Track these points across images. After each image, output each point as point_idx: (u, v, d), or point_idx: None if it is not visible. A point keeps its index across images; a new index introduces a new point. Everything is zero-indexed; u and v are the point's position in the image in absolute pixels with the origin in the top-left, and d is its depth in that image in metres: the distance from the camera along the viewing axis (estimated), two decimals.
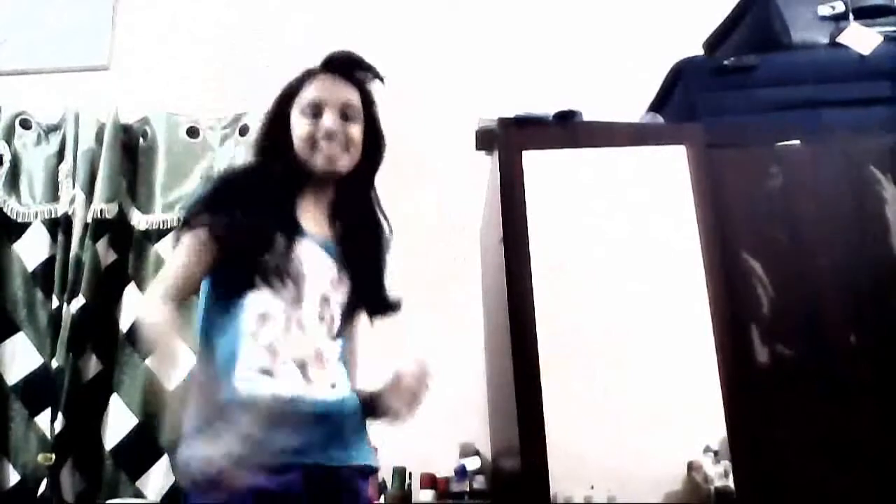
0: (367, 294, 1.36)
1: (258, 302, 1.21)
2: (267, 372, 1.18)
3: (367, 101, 1.39)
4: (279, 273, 1.21)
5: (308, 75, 1.36)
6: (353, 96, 1.36)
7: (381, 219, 1.41)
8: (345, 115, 1.33)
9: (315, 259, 1.28)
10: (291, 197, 1.31)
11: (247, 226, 1.22)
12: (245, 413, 1.07)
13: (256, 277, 1.21)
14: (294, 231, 1.26)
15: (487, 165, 2.18)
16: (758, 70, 2.12)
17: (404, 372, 1.28)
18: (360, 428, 1.29)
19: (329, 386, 1.24)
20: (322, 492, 1.18)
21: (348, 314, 1.34)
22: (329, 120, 1.31)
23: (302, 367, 1.21)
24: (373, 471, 1.30)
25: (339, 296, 1.31)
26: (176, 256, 1.25)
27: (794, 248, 1.89)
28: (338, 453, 1.21)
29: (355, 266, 1.34)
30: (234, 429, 1.03)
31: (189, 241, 1.22)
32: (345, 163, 1.33)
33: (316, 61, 1.39)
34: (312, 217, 1.33)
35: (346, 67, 1.38)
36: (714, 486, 1.71)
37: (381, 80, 1.41)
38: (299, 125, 1.33)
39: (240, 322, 1.21)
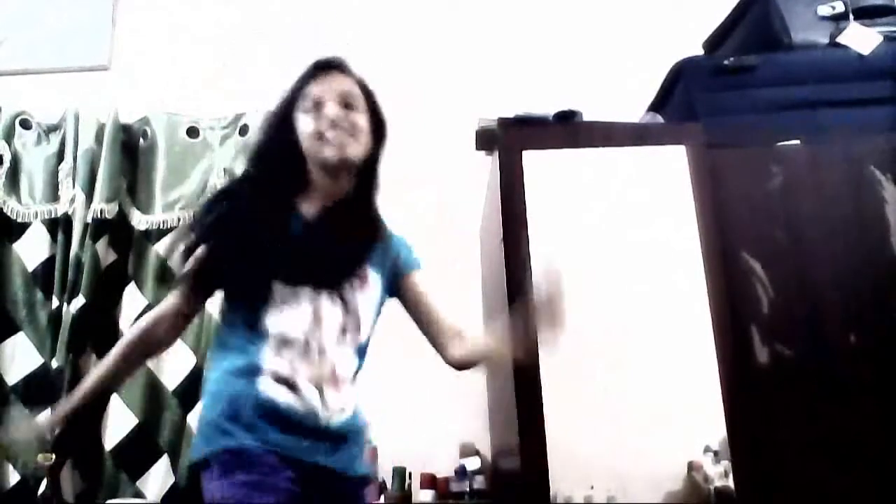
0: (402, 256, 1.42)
1: (275, 322, 1.24)
2: (284, 381, 1.21)
3: (367, 91, 1.40)
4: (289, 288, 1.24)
5: (303, 79, 1.37)
6: (351, 86, 1.37)
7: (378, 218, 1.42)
8: (346, 104, 1.34)
9: (332, 259, 1.29)
10: (289, 202, 1.32)
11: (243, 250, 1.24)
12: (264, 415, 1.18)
13: (268, 298, 1.24)
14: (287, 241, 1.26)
15: (487, 165, 2.18)
16: (758, 70, 2.12)
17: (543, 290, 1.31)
18: (362, 442, 1.33)
19: (339, 410, 1.25)
20: (324, 493, 1.22)
21: (381, 305, 1.37)
22: (331, 110, 1.32)
23: (319, 389, 1.23)
24: (371, 480, 1.37)
25: (364, 295, 1.32)
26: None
27: (794, 248, 1.89)
28: (340, 460, 1.25)
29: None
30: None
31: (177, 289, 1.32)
32: (355, 150, 1.33)
33: (310, 61, 1.39)
34: (318, 207, 1.34)
35: (338, 64, 1.40)
36: (714, 486, 1.71)
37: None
38: (305, 124, 1.34)
39: (258, 338, 1.24)
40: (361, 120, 1.35)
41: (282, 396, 1.20)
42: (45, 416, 1.25)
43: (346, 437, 1.27)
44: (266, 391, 1.20)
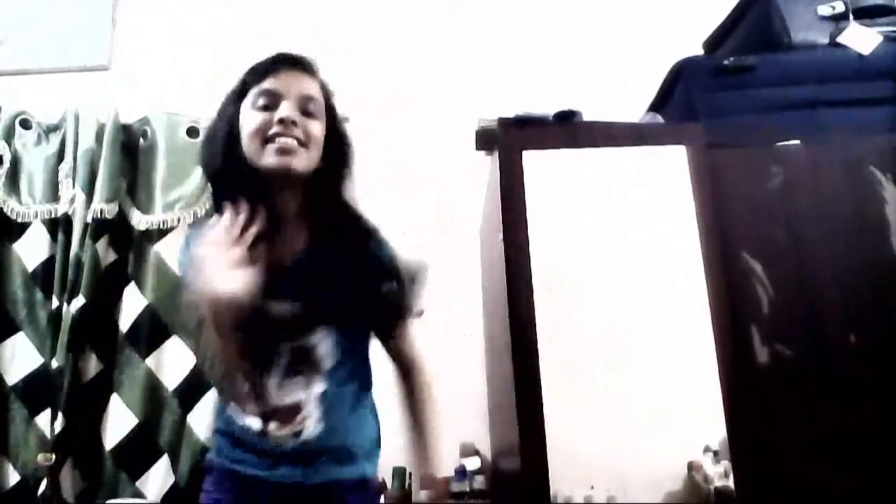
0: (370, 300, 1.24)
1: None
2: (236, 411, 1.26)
3: (328, 96, 1.25)
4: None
5: (260, 71, 1.22)
6: (314, 90, 1.22)
7: (363, 222, 1.26)
8: (305, 110, 1.19)
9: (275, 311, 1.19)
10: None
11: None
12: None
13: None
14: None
15: (487, 165, 2.18)
16: (758, 70, 2.12)
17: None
18: (347, 452, 1.26)
19: (290, 436, 1.22)
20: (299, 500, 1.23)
21: (347, 335, 1.25)
22: (286, 109, 1.16)
23: (265, 420, 1.23)
24: (368, 481, 1.29)
25: (319, 335, 1.22)
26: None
27: (794, 248, 1.89)
28: (309, 473, 1.23)
29: (343, 276, 1.22)
30: None
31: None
32: (302, 161, 1.17)
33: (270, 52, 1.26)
34: (281, 239, 1.20)
35: (304, 63, 1.24)
36: (714, 486, 1.71)
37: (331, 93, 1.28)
38: (248, 120, 1.17)
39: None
40: (317, 129, 1.20)
41: (238, 419, 1.25)
42: None
43: (316, 452, 1.23)
44: (231, 413, 1.27)
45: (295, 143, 1.16)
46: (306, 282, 1.20)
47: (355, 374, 1.29)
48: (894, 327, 1.81)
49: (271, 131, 1.16)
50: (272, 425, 1.23)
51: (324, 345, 1.23)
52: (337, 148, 1.25)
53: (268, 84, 1.20)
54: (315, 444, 1.24)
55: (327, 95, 1.26)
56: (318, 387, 1.24)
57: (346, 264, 1.22)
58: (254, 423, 1.24)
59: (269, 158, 1.16)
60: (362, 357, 1.33)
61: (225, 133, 1.20)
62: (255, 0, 3.10)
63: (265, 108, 1.18)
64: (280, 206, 1.20)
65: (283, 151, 1.16)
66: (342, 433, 1.27)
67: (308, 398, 1.24)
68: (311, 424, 1.24)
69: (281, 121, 1.16)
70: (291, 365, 1.23)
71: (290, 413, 1.23)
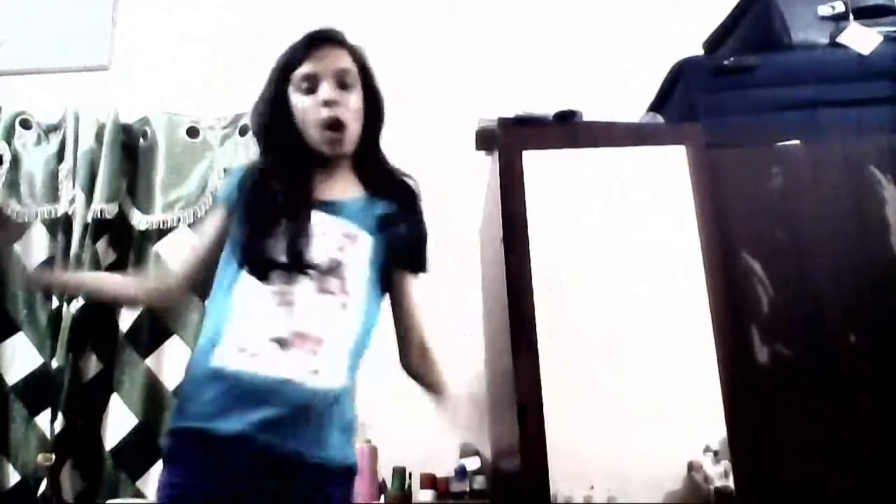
0: (404, 247, 1.35)
1: (248, 279, 1.21)
2: (244, 350, 1.16)
3: (361, 64, 1.37)
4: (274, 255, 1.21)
5: (297, 55, 1.33)
6: (346, 62, 1.34)
7: (400, 175, 1.41)
8: (342, 83, 1.32)
9: (319, 224, 1.26)
10: (304, 178, 1.31)
11: (256, 206, 1.26)
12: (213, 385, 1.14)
13: (253, 259, 1.22)
14: (303, 206, 1.26)
15: (487, 165, 2.18)
16: (758, 70, 2.12)
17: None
18: (345, 425, 1.21)
19: (309, 371, 1.16)
20: (275, 478, 1.12)
21: (378, 274, 1.30)
22: (326, 91, 1.30)
23: (282, 345, 1.16)
24: (352, 472, 1.23)
25: (353, 254, 1.27)
26: (197, 234, 1.32)
27: (794, 248, 1.89)
28: (299, 444, 1.13)
29: (390, 221, 1.33)
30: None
31: (209, 219, 1.36)
32: (349, 138, 1.32)
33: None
34: (331, 187, 1.33)
35: (333, 36, 1.37)
36: (714, 486, 1.71)
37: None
38: (297, 102, 1.31)
39: (229, 299, 1.22)
40: (355, 100, 1.33)
41: (233, 363, 1.15)
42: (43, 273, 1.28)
43: (314, 410, 1.15)
44: (217, 361, 1.16)
45: (340, 125, 1.29)
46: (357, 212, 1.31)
47: (366, 336, 1.28)
48: (894, 327, 1.81)
49: (318, 115, 1.29)
50: (292, 352, 1.16)
51: (356, 260, 1.27)
52: (372, 103, 1.37)
53: (305, 68, 1.31)
54: (327, 402, 1.16)
55: (359, 59, 1.37)
56: (344, 326, 1.23)
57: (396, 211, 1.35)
58: (269, 349, 1.15)
59: (321, 144, 1.30)
60: (373, 314, 1.30)
61: (275, 111, 1.33)
62: (255, 0, 3.10)
63: (308, 90, 1.31)
64: (336, 163, 1.35)
65: (333, 141, 1.30)
66: (351, 400, 1.24)
67: (333, 334, 1.21)
68: (333, 371, 1.19)
69: (325, 102, 1.29)
70: (322, 279, 1.22)
71: (313, 343, 1.18)
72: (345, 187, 1.35)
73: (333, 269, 1.23)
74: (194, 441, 1.14)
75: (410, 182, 1.42)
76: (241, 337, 1.18)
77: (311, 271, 1.21)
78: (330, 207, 1.29)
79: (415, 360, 1.37)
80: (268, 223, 1.23)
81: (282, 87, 1.33)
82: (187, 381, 1.23)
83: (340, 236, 1.27)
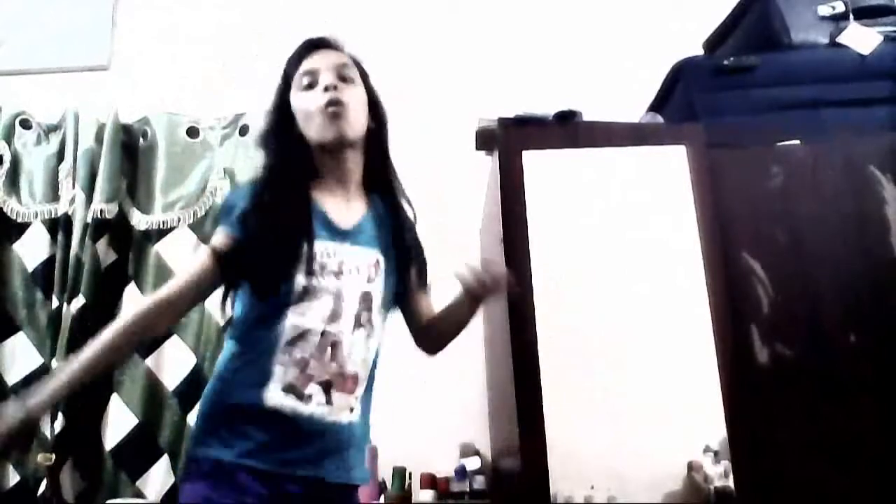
0: (413, 258, 1.37)
1: (295, 316, 1.21)
2: (292, 389, 1.18)
3: (361, 68, 1.38)
4: (309, 291, 1.21)
5: (296, 58, 1.34)
6: (346, 60, 1.35)
7: (401, 195, 1.43)
8: (343, 76, 1.31)
9: (350, 258, 1.27)
10: (306, 197, 1.29)
11: (264, 239, 1.22)
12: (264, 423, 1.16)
13: (290, 293, 1.21)
14: (311, 236, 1.24)
15: (487, 165, 2.18)
16: (758, 70, 2.12)
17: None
18: (363, 448, 1.30)
19: (348, 410, 1.23)
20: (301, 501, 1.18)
21: (390, 297, 1.33)
22: (326, 77, 1.29)
23: (327, 389, 1.20)
24: (363, 483, 1.30)
25: (379, 282, 1.29)
26: (181, 271, 1.28)
27: (794, 248, 1.89)
28: (337, 470, 1.22)
29: (398, 232, 1.36)
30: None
31: (198, 258, 1.28)
32: (352, 126, 1.29)
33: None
34: (337, 204, 1.31)
35: (330, 41, 1.38)
36: (714, 486, 1.71)
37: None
38: (299, 102, 1.31)
39: (275, 334, 1.20)
40: (358, 92, 1.32)
41: (288, 405, 1.18)
42: (18, 408, 1.09)
43: (349, 441, 1.23)
44: (270, 401, 1.18)
45: (342, 105, 1.27)
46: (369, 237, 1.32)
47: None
48: (894, 327, 1.81)
49: (319, 102, 1.27)
50: (336, 396, 1.20)
51: (380, 287, 1.29)
52: (374, 107, 1.37)
53: (304, 66, 1.32)
54: (355, 428, 1.24)
55: (359, 65, 1.38)
56: (369, 359, 1.27)
57: (396, 226, 1.36)
58: (316, 391, 1.18)
59: (324, 132, 1.27)
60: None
61: (281, 124, 1.33)
62: (255, 0, 3.10)
63: (309, 86, 1.30)
64: (345, 173, 1.33)
65: (335, 115, 1.27)
66: (368, 417, 1.29)
67: (364, 368, 1.26)
68: (362, 402, 1.26)
69: (325, 88, 1.28)
70: (359, 315, 1.25)
71: (352, 382, 1.23)
72: (353, 206, 1.34)
73: (366, 303, 1.27)
74: (231, 473, 1.15)
75: (409, 210, 1.44)
76: (290, 377, 1.19)
77: (347, 309, 1.24)
78: (352, 237, 1.29)
79: (426, 325, 1.40)
80: (286, 253, 1.22)
81: (284, 95, 1.34)
82: (222, 411, 1.20)
83: (368, 267, 1.29)
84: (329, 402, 1.20)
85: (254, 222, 1.24)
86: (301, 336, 1.20)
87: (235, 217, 1.26)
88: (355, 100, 1.31)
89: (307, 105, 1.30)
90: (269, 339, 1.20)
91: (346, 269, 1.26)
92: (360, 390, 1.25)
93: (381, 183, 1.39)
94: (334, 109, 1.27)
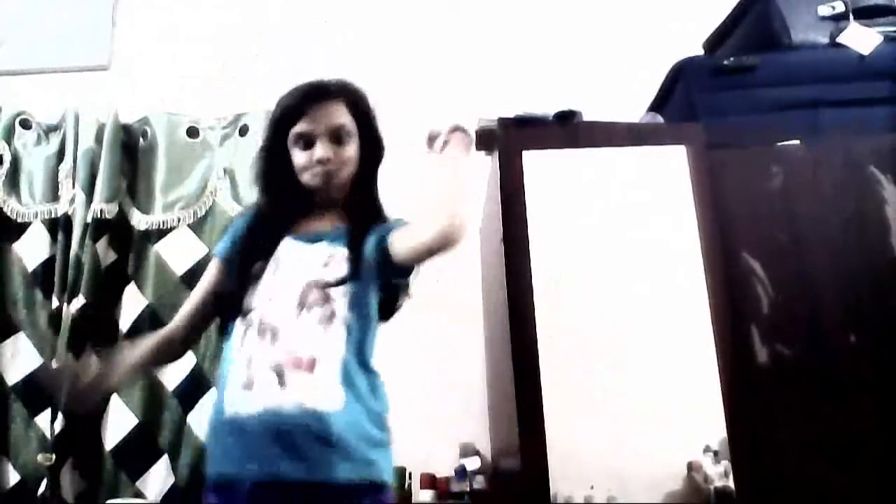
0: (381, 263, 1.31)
1: (239, 322, 1.27)
2: (247, 386, 1.19)
3: (359, 112, 1.39)
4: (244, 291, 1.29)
5: (293, 112, 1.35)
6: (342, 117, 1.36)
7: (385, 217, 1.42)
8: (338, 139, 1.35)
9: (294, 252, 1.31)
10: (289, 222, 1.36)
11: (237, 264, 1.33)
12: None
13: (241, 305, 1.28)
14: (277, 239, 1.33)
15: (487, 165, 2.18)
16: (758, 70, 2.12)
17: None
18: (360, 443, 1.18)
19: (310, 394, 1.17)
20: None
21: (360, 295, 1.28)
22: (320, 150, 1.33)
23: (279, 373, 1.18)
24: (383, 486, 1.21)
25: (338, 268, 1.27)
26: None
27: (794, 248, 1.89)
28: (314, 467, 1.14)
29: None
30: None
31: (204, 274, 1.41)
32: (340, 179, 1.36)
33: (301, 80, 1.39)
34: (314, 224, 1.37)
35: (328, 91, 1.37)
36: (714, 486, 1.71)
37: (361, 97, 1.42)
38: (294, 155, 1.36)
39: (229, 348, 1.27)
40: (350, 152, 1.37)
41: (243, 406, 1.18)
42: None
43: (324, 433, 1.14)
44: (229, 407, 1.20)
45: (333, 175, 1.34)
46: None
47: (365, 342, 1.27)
48: (894, 327, 1.81)
49: (312, 171, 1.34)
50: (289, 375, 1.18)
51: (340, 273, 1.27)
52: (371, 148, 1.41)
53: (300, 128, 1.34)
54: (328, 424, 1.15)
55: (356, 110, 1.39)
56: (336, 343, 1.23)
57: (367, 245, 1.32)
58: (267, 378, 1.17)
59: (312, 182, 1.35)
60: (369, 324, 1.30)
61: (273, 158, 1.39)
62: (255, 0, 3.10)
63: (305, 147, 1.35)
64: (327, 200, 1.38)
65: (326, 175, 1.34)
66: (358, 413, 1.20)
67: (325, 353, 1.21)
68: (328, 391, 1.18)
69: (319, 161, 1.33)
70: (307, 300, 1.24)
71: (308, 364, 1.19)
72: (328, 222, 1.38)
73: (314, 289, 1.26)
74: (224, 487, 1.19)
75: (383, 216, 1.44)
76: (240, 374, 1.21)
77: (286, 295, 1.25)
78: (308, 237, 1.34)
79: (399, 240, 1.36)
80: (251, 266, 1.31)
81: (280, 137, 1.38)
82: (210, 430, 1.27)
83: (322, 256, 1.30)
84: (282, 383, 1.17)
85: (233, 257, 1.35)
86: (244, 331, 1.25)
87: (224, 246, 1.40)
88: (347, 159, 1.36)
89: (299, 160, 1.35)
90: (229, 347, 1.28)
91: (289, 259, 1.30)
92: (327, 374, 1.19)
93: (364, 206, 1.40)
94: (325, 170, 1.34)
